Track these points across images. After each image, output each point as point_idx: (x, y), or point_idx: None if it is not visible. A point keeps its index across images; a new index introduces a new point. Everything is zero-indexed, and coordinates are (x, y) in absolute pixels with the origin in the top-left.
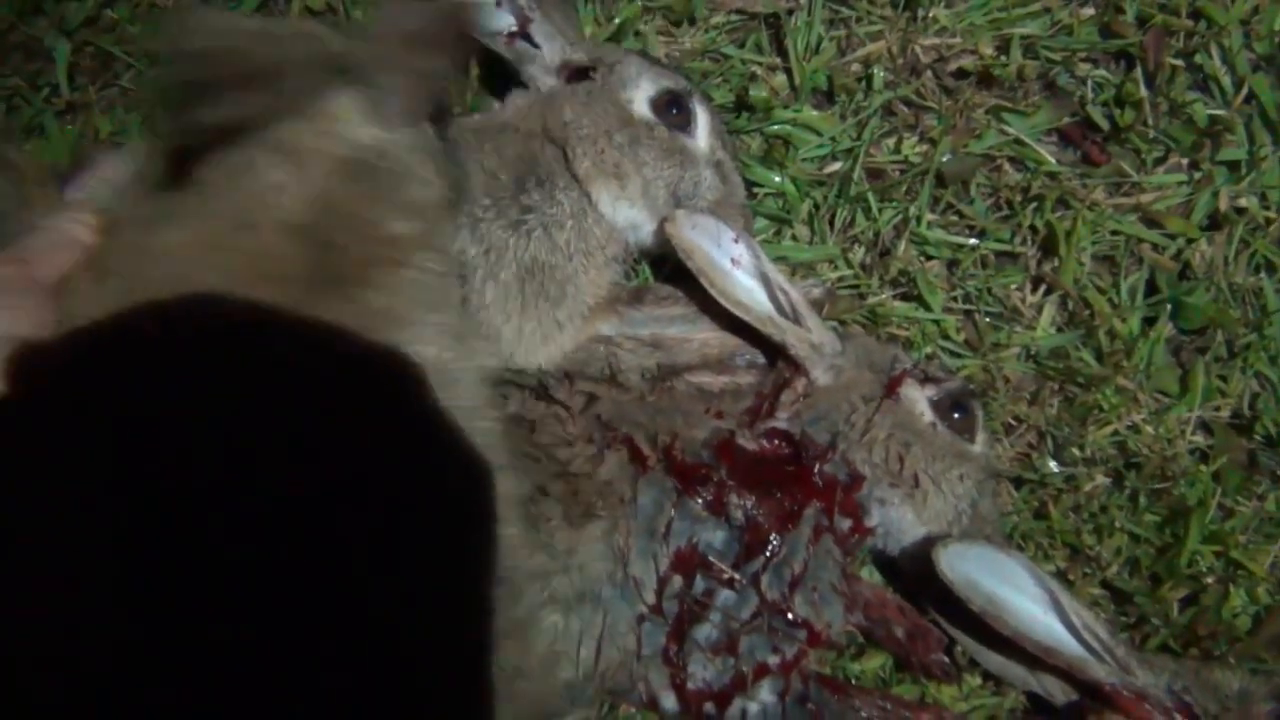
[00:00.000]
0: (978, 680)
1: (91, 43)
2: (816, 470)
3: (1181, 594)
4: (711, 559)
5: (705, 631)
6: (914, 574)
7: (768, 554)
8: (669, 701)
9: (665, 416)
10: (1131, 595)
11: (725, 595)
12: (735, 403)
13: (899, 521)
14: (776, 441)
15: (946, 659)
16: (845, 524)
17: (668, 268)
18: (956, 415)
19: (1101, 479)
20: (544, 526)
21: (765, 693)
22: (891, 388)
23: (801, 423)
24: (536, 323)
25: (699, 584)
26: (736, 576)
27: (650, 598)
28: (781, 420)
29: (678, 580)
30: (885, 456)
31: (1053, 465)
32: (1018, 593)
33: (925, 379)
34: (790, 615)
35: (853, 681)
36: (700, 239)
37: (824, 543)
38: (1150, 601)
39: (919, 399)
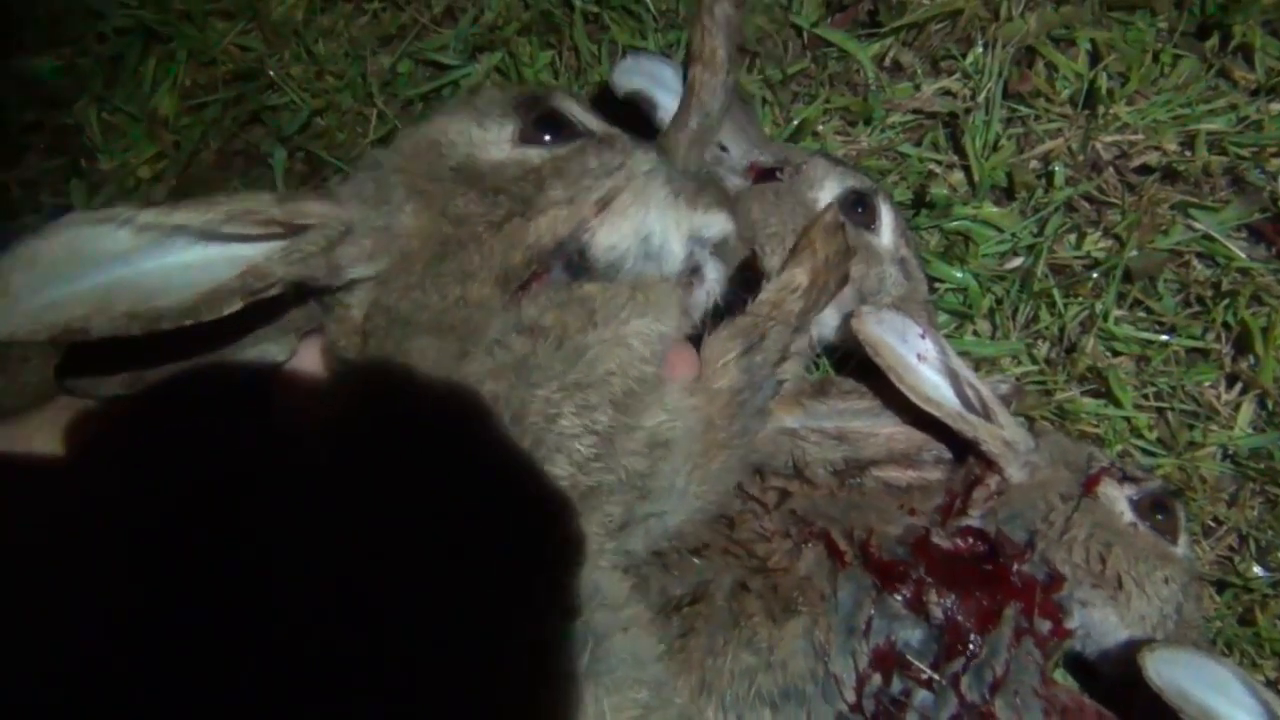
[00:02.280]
0: None
1: (304, 149)
2: (1015, 570)
3: None
4: (910, 658)
5: None
6: (1116, 679)
7: (968, 655)
8: None
9: (858, 512)
10: None
11: (923, 696)
12: (925, 499)
13: (1101, 624)
14: (971, 540)
15: None
16: (1045, 625)
17: (851, 363)
18: (1159, 516)
19: None
20: (746, 622)
21: None
22: (1090, 486)
23: (996, 521)
24: None
25: (896, 684)
26: (935, 677)
27: (850, 696)
28: (975, 518)
29: (876, 678)
30: (1086, 557)
31: (1258, 570)
32: (1230, 704)
33: (1124, 478)
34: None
35: None
36: (887, 334)
37: (1024, 644)
38: None
39: (1118, 498)
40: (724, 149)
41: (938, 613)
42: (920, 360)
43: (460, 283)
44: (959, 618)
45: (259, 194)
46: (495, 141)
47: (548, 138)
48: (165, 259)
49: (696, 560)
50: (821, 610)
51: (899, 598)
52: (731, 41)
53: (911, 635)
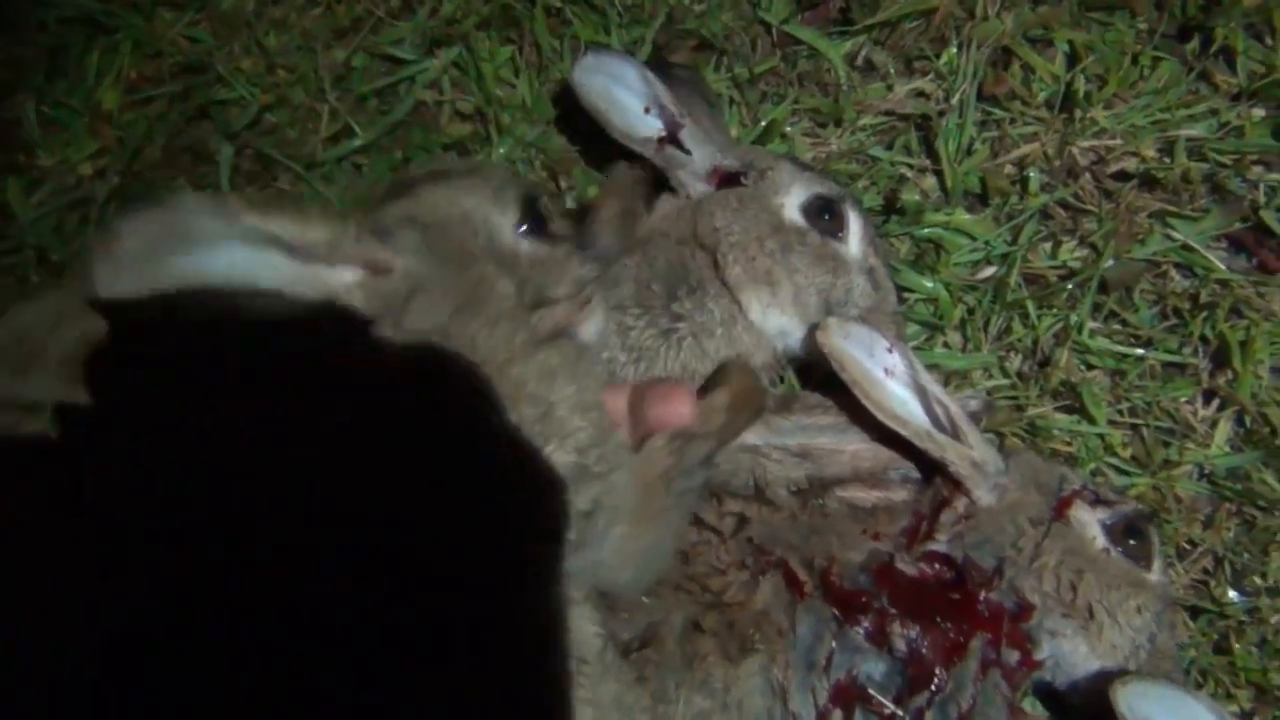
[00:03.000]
0: None
1: (252, 146)
2: (982, 598)
3: None
4: (872, 692)
5: None
6: (1086, 711)
7: (933, 688)
8: None
9: (819, 537)
10: None
11: None
12: (891, 521)
13: (1071, 655)
14: (938, 566)
15: None
16: (1013, 656)
17: (816, 376)
18: (1132, 541)
19: None
20: (700, 664)
21: None
22: (1061, 510)
23: (963, 546)
24: None
25: (859, 718)
26: (899, 712)
27: None
28: (942, 543)
29: (838, 715)
30: (1057, 585)
31: (1233, 595)
32: None
33: (1096, 501)
34: None
35: None
36: (853, 348)
37: (991, 677)
38: None
39: (1091, 523)
40: (687, 152)
41: (901, 645)
42: (887, 375)
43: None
44: (923, 650)
45: (344, 222)
46: (504, 228)
47: (538, 228)
48: (255, 262)
49: (646, 600)
50: (780, 647)
51: (860, 630)
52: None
53: (874, 668)
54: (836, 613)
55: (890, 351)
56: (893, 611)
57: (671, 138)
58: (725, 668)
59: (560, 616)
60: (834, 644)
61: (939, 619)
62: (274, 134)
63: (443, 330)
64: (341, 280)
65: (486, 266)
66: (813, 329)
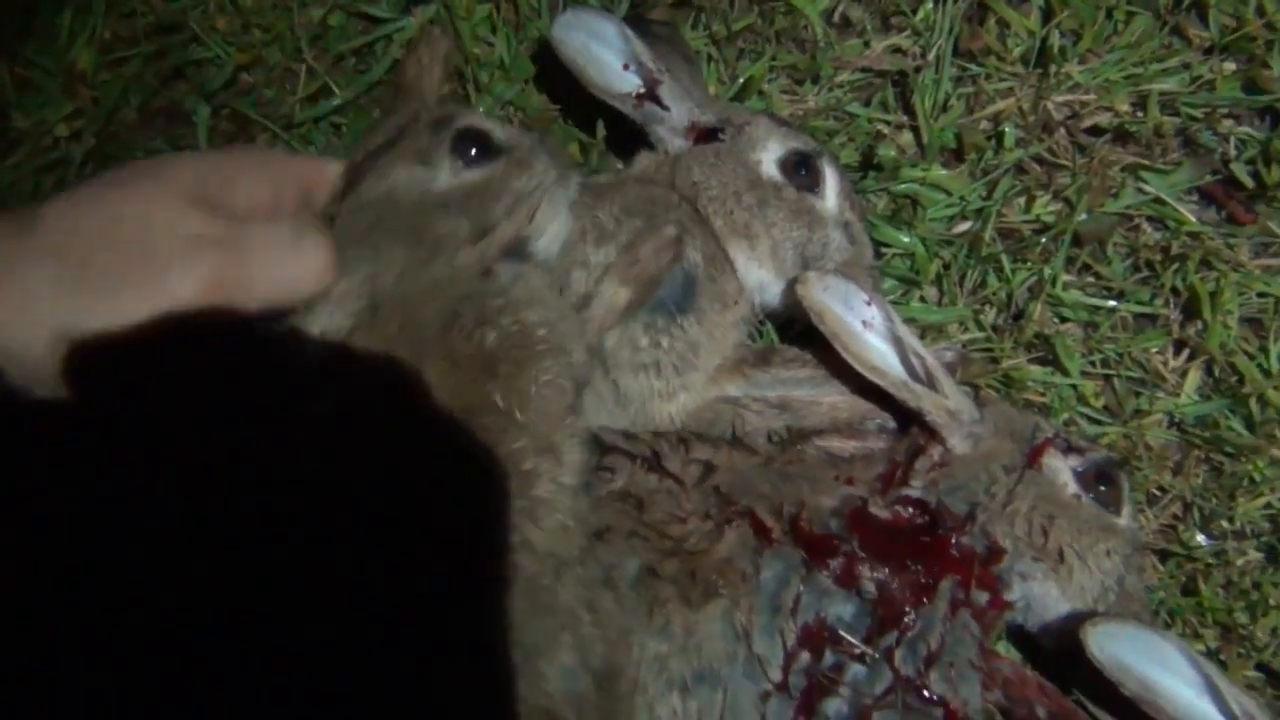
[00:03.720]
0: None
1: (229, 106)
2: (954, 542)
3: None
4: (842, 633)
5: (835, 706)
6: (1057, 652)
7: (902, 628)
8: None
9: (791, 484)
10: None
11: (856, 670)
12: (867, 469)
13: (1042, 598)
14: (911, 510)
15: None
16: (983, 598)
17: (794, 330)
18: (1102, 487)
19: (1254, 553)
20: (658, 610)
21: None
22: (1034, 457)
23: (937, 492)
24: (663, 381)
25: (828, 658)
26: (868, 651)
27: (776, 675)
28: (916, 489)
29: (806, 656)
30: (1029, 530)
31: (1201, 538)
32: (1172, 677)
33: (1068, 448)
34: (926, 693)
35: None
36: (831, 301)
37: (961, 617)
38: None
39: (1062, 469)
40: (665, 108)
41: (870, 586)
42: (865, 327)
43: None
44: (893, 591)
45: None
46: (436, 179)
47: (475, 154)
48: None
49: (599, 544)
50: (744, 591)
51: (828, 573)
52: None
53: (843, 610)
54: (805, 557)
55: (868, 304)
56: (862, 555)
57: (650, 94)
58: (685, 613)
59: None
60: (801, 587)
61: (909, 561)
62: (251, 94)
63: (408, 297)
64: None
65: (428, 224)
66: (792, 282)
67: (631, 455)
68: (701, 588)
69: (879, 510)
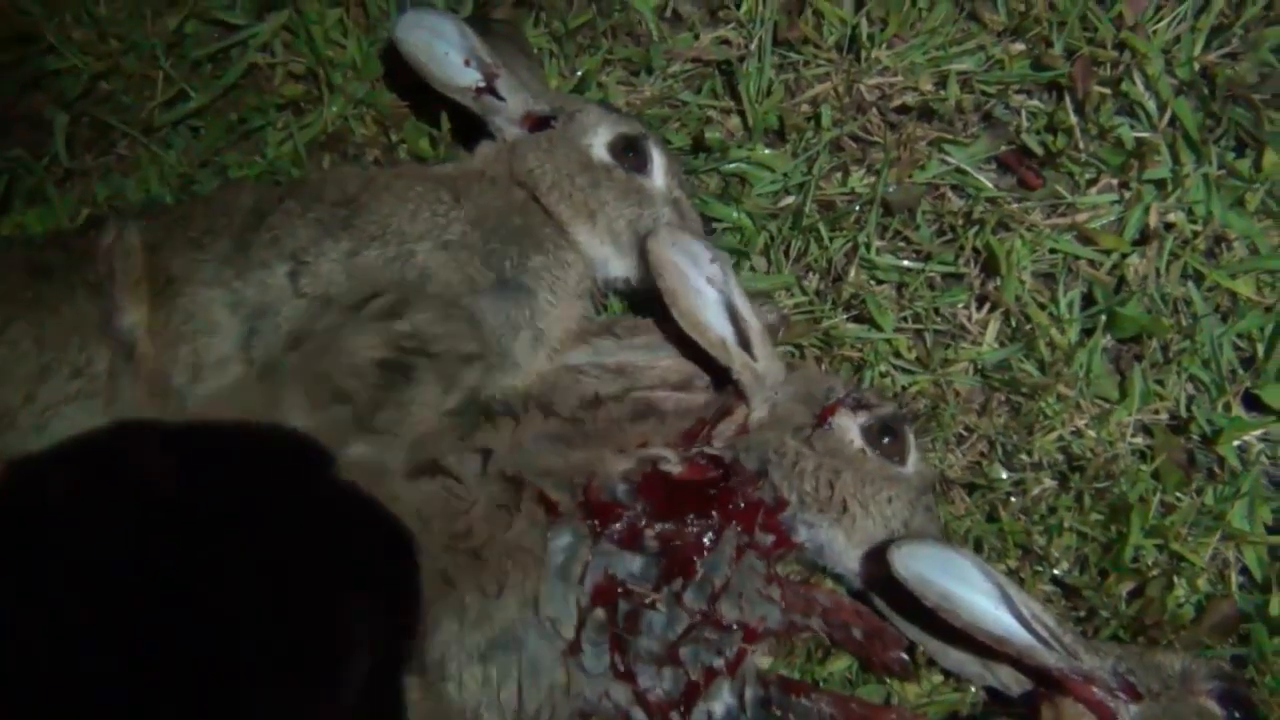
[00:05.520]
0: (939, 678)
1: (88, 114)
2: (740, 494)
3: (1128, 587)
4: (631, 586)
5: (643, 644)
6: (868, 578)
7: (688, 574)
8: (639, 716)
9: (583, 451)
10: (1081, 590)
11: (651, 615)
12: (679, 422)
13: (830, 542)
14: (706, 463)
15: (905, 657)
16: (767, 540)
17: (638, 303)
18: (886, 440)
19: (1049, 482)
20: (459, 605)
21: (725, 695)
22: (823, 418)
23: (735, 449)
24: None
25: (622, 608)
26: (657, 597)
27: (569, 633)
28: (716, 445)
29: (600, 612)
30: (815, 485)
31: (1002, 472)
32: (968, 588)
33: (858, 406)
34: (722, 621)
35: (818, 685)
36: (678, 256)
37: (746, 558)
38: (1098, 595)
39: (850, 427)
40: (502, 99)
41: (653, 543)
42: (708, 283)
43: None
44: (676, 543)
45: None
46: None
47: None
48: None
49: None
50: (532, 567)
51: (611, 537)
52: None
53: (631, 566)
54: (593, 523)
55: (712, 261)
56: (645, 516)
57: (489, 87)
58: (482, 601)
59: None
60: (589, 556)
61: (692, 514)
62: (109, 101)
63: None
64: None
65: None
66: (634, 253)
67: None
68: (495, 578)
69: (672, 466)
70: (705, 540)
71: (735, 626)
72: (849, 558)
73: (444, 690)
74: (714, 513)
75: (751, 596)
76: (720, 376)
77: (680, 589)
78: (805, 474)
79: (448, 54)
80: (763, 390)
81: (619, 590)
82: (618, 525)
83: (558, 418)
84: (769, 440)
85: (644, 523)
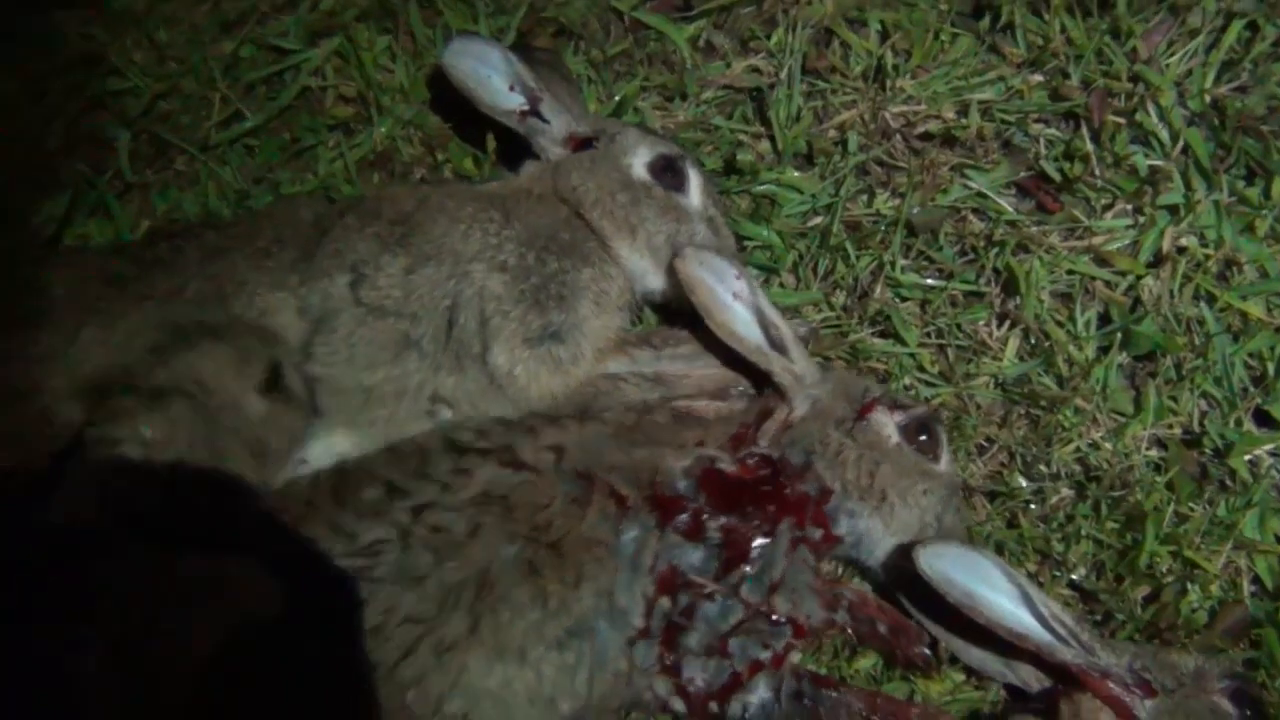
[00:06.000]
0: (960, 676)
1: (149, 132)
2: (791, 488)
3: (1143, 592)
4: (693, 577)
5: (694, 639)
6: (893, 578)
7: (747, 566)
8: (678, 705)
9: (645, 450)
10: (1097, 594)
11: (707, 607)
12: (723, 429)
13: (869, 531)
14: (756, 462)
15: (929, 652)
16: (817, 533)
17: (671, 311)
18: (922, 437)
19: (1066, 491)
20: (542, 596)
21: (762, 688)
22: (863, 413)
23: (780, 446)
24: (550, 365)
25: (681, 600)
26: (717, 589)
27: (639, 621)
28: (762, 446)
29: (665, 601)
30: (856, 474)
31: (1022, 480)
32: (990, 587)
33: (894, 405)
34: (774, 615)
35: (846, 681)
36: (705, 274)
37: (799, 551)
38: (1114, 599)
39: (887, 423)
40: (546, 121)
41: (715, 535)
42: (735, 299)
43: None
44: (737, 535)
45: None
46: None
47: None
48: None
49: (473, 541)
50: (606, 558)
51: (677, 528)
52: None
53: (693, 557)
54: (658, 517)
55: (738, 278)
56: (707, 509)
57: (532, 110)
58: (564, 591)
59: None
60: (656, 546)
61: (750, 509)
62: (169, 120)
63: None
64: None
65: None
66: (673, 258)
67: (486, 452)
68: (574, 570)
69: (727, 466)
70: (762, 532)
71: (785, 621)
72: (885, 548)
73: (523, 675)
74: (770, 506)
75: (802, 591)
76: (760, 380)
77: (739, 580)
78: (848, 463)
79: (493, 79)
80: (802, 389)
81: (680, 581)
82: (682, 517)
83: (613, 421)
84: (813, 432)
85: (706, 515)
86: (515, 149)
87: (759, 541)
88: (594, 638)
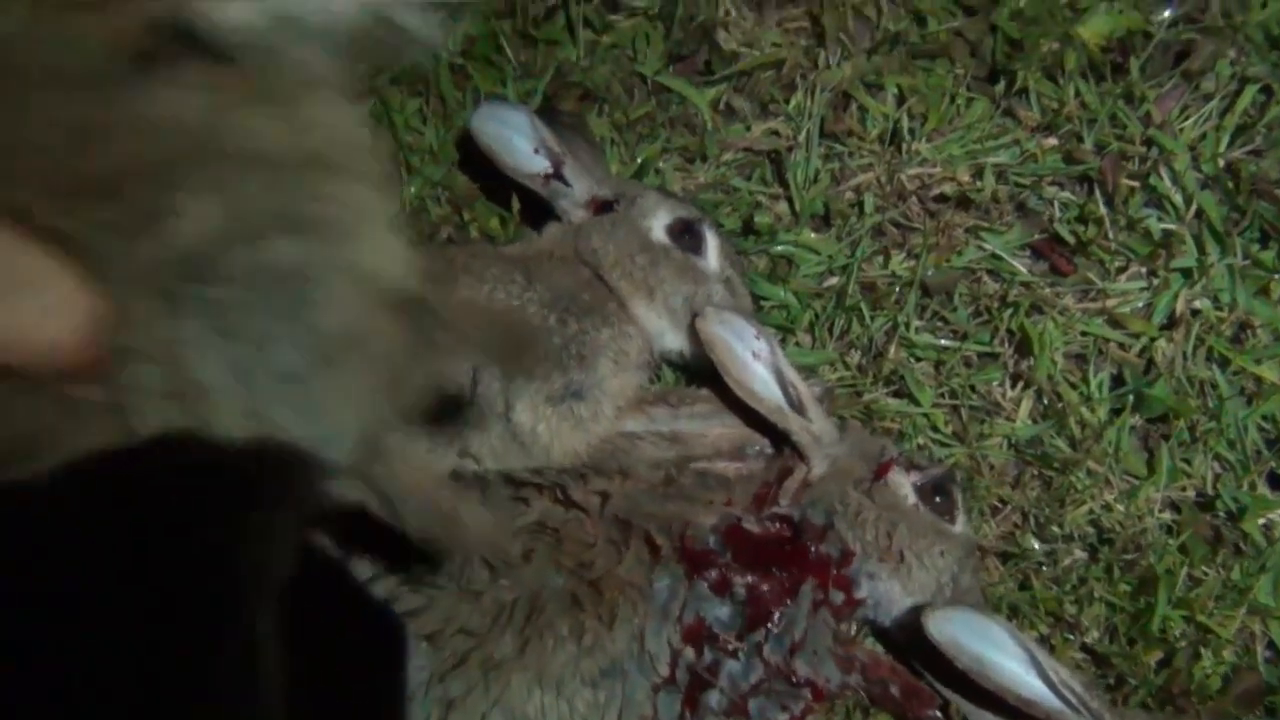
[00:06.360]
0: None
1: None
2: (813, 549)
3: (1156, 656)
4: (717, 632)
5: (715, 697)
6: (906, 641)
7: (769, 626)
8: None
9: (677, 505)
10: (1110, 658)
11: (731, 665)
12: (744, 489)
13: (887, 593)
14: (779, 524)
15: (940, 715)
16: (839, 597)
17: (690, 373)
18: (938, 499)
19: (1079, 553)
20: (579, 629)
21: None
22: (880, 473)
23: (801, 507)
24: (572, 422)
25: (707, 655)
26: (741, 645)
27: (665, 670)
28: (783, 505)
29: (689, 651)
30: (875, 535)
31: (1034, 542)
32: (1000, 652)
33: (910, 466)
34: (793, 678)
35: None
36: (725, 333)
37: (821, 614)
38: (1127, 663)
39: (904, 484)
40: (569, 185)
41: (741, 592)
42: (755, 358)
43: None
44: (761, 594)
45: None
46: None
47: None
48: None
49: (526, 565)
50: (639, 603)
51: (706, 581)
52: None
53: (720, 612)
54: (688, 569)
55: (757, 337)
56: (735, 565)
57: (556, 173)
58: (599, 628)
59: None
60: (686, 596)
61: (775, 569)
62: None
63: None
64: None
65: None
66: (694, 318)
67: (541, 487)
68: (609, 608)
69: (751, 526)
70: (786, 593)
71: (804, 684)
72: (900, 608)
73: (558, 707)
74: (793, 567)
75: (823, 655)
76: (778, 440)
77: (763, 639)
78: (867, 524)
79: (519, 142)
80: (820, 448)
81: (705, 635)
82: (711, 572)
83: (647, 478)
84: (832, 492)
85: (733, 572)
86: (539, 210)
87: (782, 599)
88: (625, 680)
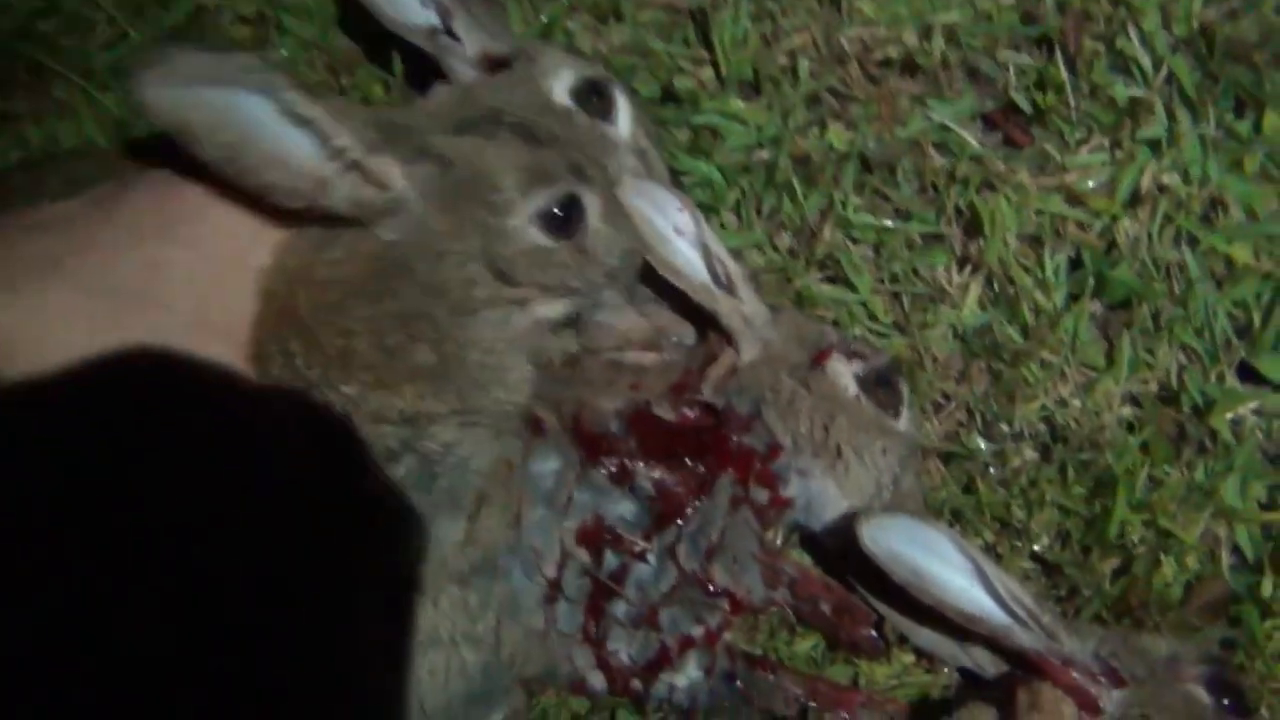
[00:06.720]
0: (910, 658)
1: (23, 55)
2: (734, 440)
3: (1112, 564)
4: (621, 532)
5: (622, 608)
6: (839, 551)
7: (681, 523)
8: (596, 681)
9: (574, 388)
10: (1062, 567)
11: (640, 569)
12: (664, 377)
13: (820, 494)
14: (698, 410)
15: (875, 634)
16: (762, 495)
17: None
18: (882, 391)
19: (1030, 453)
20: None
21: (691, 668)
22: (819, 360)
23: (725, 394)
24: None
25: (610, 560)
26: (649, 547)
27: (551, 571)
28: (706, 393)
29: (583, 554)
30: (810, 427)
31: (981, 442)
32: (941, 563)
33: (852, 354)
34: (710, 586)
35: (784, 663)
36: (644, 206)
37: (741, 513)
38: (1081, 573)
39: (845, 373)
40: (458, 39)
41: (646, 485)
42: (677, 233)
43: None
44: (671, 488)
45: (358, 126)
46: (519, 217)
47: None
48: (281, 132)
49: None
50: (511, 479)
51: (604, 471)
52: None
53: (622, 509)
54: (582, 455)
55: (681, 210)
56: (639, 454)
57: (443, 26)
58: (466, 525)
59: None
60: (576, 485)
61: (687, 458)
62: (46, 41)
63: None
64: (334, 171)
65: (469, 249)
66: None
67: None
68: (474, 495)
69: (663, 411)
70: (700, 486)
71: (722, 594)
72: (834, 512)
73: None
74: (709, 458)
75: (745, 561)
76: (700, 327)
77: (674, 540)
78: (800, 414)
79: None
80: (752, 332)
81: (607, 536)
82: (610, 460)
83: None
84: (763, 379)
85: (638, 460)
86: (426, 72)
87: (695, 493)
88: (505, 580)
